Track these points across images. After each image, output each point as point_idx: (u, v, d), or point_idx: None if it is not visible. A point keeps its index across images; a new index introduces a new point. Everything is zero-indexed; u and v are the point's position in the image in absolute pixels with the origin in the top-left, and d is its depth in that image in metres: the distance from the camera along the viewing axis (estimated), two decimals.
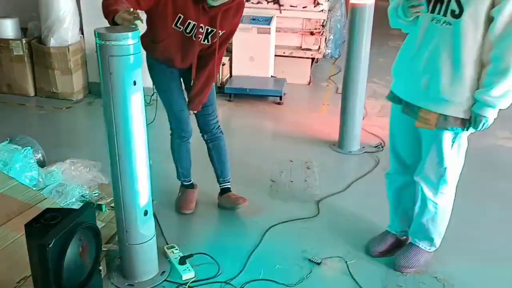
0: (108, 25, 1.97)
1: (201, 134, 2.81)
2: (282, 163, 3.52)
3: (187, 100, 2.67)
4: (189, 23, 2.38)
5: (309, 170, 3.44)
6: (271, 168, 3.44)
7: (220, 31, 2.43)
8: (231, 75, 5.03)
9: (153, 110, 3.97)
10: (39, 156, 2.89)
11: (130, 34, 1.88)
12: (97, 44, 1.89)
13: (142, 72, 2.01)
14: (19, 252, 2.04)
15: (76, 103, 4.56)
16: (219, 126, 2.80)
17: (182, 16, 2.36)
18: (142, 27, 2.04)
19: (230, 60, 5.00)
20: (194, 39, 2.43)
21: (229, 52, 4.98)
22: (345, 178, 3.34)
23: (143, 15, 2.09)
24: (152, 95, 2.91)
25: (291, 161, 3.56)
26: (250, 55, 4.94)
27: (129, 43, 1.88)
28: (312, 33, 5.13)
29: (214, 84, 2.68)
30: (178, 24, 2.38)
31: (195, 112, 2.70)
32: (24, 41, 4.46)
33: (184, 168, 2.87)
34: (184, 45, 2.46)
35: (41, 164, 2.86)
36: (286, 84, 4.96)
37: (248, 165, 3.46)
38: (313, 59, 5.29)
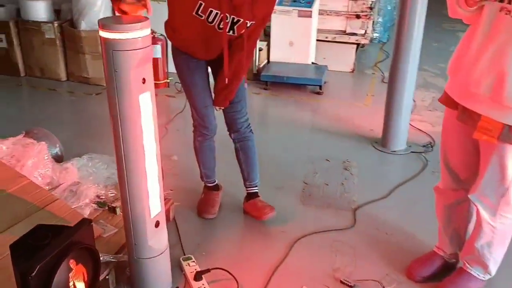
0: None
1: (228, 133, 2.55)
2: (317, 161, 3.22)
3: (213, 94, 2.42)
4: (211, 11, 2.10)
5: (346, 171, 3.12)
6: (305, 167, 3.15)
7: (248, 22, 2.14)
8: (268, 61, 4.73)
9: (183, 98, 3.78)
10: (56, 150, 2.73)
11: (139, 25, 1.63)
12: (100, 37, 1.65)
13: (152, 67, 1.76)
14: None
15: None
16: (249, 124, 2.53)
17: (203, 4, 2.08)
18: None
19: (268, 45, 4.69)
20: (218, 29, 2.15)
21: (267, 36, 4.68)
22: (387, 182, 3.00)
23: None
24: None
25: (328, 160, 3.25)
26: (290, 40, 4.61)
27: (137, 36, 1.63)
28: (358, 16, 4.72)
29: (244, 78, 2.40)
30: (199, 12, 2.11)
31: (222, 108, 2.44)
32: (56, 24, 4.33)
33: (207, 168, 2.64)
34: (207, 35, 2.19)
35: (58, 159, 2.71)
36: (327, 72, 4.62)
37: (280, 163, 3.19)
38: (358, 44, 4.89)
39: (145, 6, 1.67)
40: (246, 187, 2.63)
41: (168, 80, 4.36)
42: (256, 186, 2.63)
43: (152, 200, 1.90)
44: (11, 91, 4.37)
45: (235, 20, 2.13)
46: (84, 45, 4.24)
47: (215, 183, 2.71)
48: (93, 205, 2.39)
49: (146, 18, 1.67)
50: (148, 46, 1.69)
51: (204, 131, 2.50)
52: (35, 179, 2.37)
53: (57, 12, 4.60)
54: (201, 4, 2.08)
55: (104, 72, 1.71)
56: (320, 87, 4.40)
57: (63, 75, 4.51)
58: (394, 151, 3.38)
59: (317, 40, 4.78)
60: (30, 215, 2.14)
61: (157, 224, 1.96)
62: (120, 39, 1.61)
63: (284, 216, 2.60)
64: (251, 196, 2.62)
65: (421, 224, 2.55)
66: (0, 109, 3.99)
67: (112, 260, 2.05)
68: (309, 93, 4.45)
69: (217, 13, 2.10)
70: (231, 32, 2.17)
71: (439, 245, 2.23)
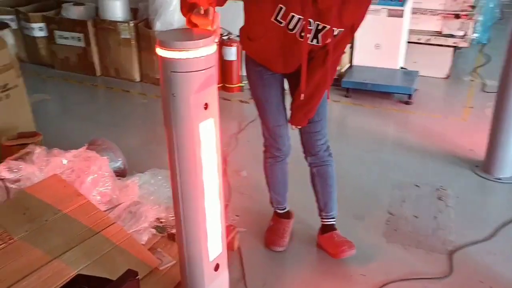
0: None
1: (304, 155, 2.23)
2: (404, 187, 2.80)
3: (289, 111, 2.10)
4: (293, 16, 1.78)
5: (441, 201, 2.68)
6: (390, 193, 2.75)
7: (335, 29, 1.80)
8: (351, 65, 4.31)
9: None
10: (119, 163, 2.57)
11: (201, 42, 1.35)
12: (157, 55, 1.40)
13: (216, 90, 1.49)
14: None
15: None
16: (328, 147, 2.19)
17: (284, 8, 1.77)
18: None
19: (352, 47, 4.28)
20: (299, 38, 1.83)
21: None
22: (491, 218, 2.52)
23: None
24: None
25: (417, 186, 2.81)
26: (376, 42, 4.17)
27: (199, 55, 1.36)
28: (457, 16, 4.17)
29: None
30: (278, 18, 1.80)
31: (299, 127, 2.13)
32: (131, 24, 4.24)
33: (278, 193, 2.34)
34: (287, 45, 1.89)
35: (121, 173, 2.54)
36: (418, 78, 4.11)
37: (360, 186, 2.81)
38: (455, 47, 4.32)
39: (212, 22, 1.39)
40: (322, 218, 2.30)
41: (242, 84, 4.13)
42: (333, 218, 2.29)
43: (212, 241, 1.64)
44: (86, 91, 4.36)
45: (320, 27, 1.80)
46: None
47: (286, 210, 2.41)
48: (152, 229, 2.19)
49: (212, 33, 1.40)
50: (212, 66, 1.41)
51: (276, 153, 2.21)
52: (94, 197, 2.21)
53: (134, 11, 4.51)
54: (281, 8, 1.78)
55: (161, 96, 1.47)
56: (410, 96, 3.92)
57: (137, 76, 4.43)
58: (499, 179, 2.86)
59: (408, 42, 4.28)
60: (85, 241, 1.97)
61: (216, 268, 1.70)
62: (179, 58, 1.35)
63: (364, 255, 2.23)
64: (327, 228, 2.29)
65: None
66: (74, 109, 3.99)
67: None
68: (396, 102, 3.98)
69: (299, 19, 1.79)
70: (314, 41, 1.84)
71: None
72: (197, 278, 1.67)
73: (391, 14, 4.04)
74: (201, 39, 1.35)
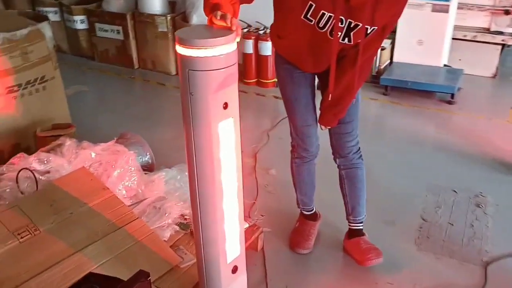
0: None
1: (332, 157, 2.15)
2: (440, 192, 2.66)
3: (319, 111, 2.03)
4: (323, 14, 1.71)
5: (479, 209, 2.53)
6: (424, 198, 2.62)
7: (368, 27, 1.71)
8: (391, 62, 4.16)
9: None
10: (146, 158, 2.57)
11: (222, 40, 1.31)
12: (176, 52, 1.37)
13: (237, 87, 1.44)
14: None
15: None
16: (359, 149, 2.11)
17: (314, 5, 1.69)
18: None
19: (393, 43, 4.12)
20: (330, 36, 1.75)
21: (393, 32, 4.10)
22: None
23: None
24: None
25: (454, 191, 2.67)
26: (419, 38, 4.00)
27: (219, 53, 1.31)
28: (507, 12, 3.94)
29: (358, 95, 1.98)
30: (308, 16, 1.73)
31: (328, 128, 2.05)
32: (168, 18, 4.25)
33: (304, 194, 2.28)
34: (316, 44, 1.81)
35: (149, 168, 2.55)
36: (463, 77, 3.92)
37: (392, 189, 2.70)
38: (503, 45, 4.08)
39: (231, 28, 1.35)
40: (349, 222, 2.22)
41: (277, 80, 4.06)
42: (361, 223, 2.20)
43: (230, 243, 1.61)
44: (123, 84, 4.42)
45: (352, 25, 1.71)
46: None
47: (312, 212, 2.34)
48: (175, 226, 2.18)
49: (232, 31, 1.35)
50: (233, 64, 1.36)
51: (303, 153, 2.14)
52: (119, 192, 2.23)
53: (172, 5, 4.53)
54: (311, 6, 1.70)
55: (180, 94, 1.43)
56: (452, 95, 3.74)
57: (173, 70, 4.46)
58: None
59: (453, 38, 4.08)
60: (107, 235, 1.99)
61: (234, 270, 1.67)
62: (197, 56, 1.31)
63: (393, 262, 2.14)
64: (354, 233, 2.21)
65: None
66: (109, 101, 4.06)
67: None
68: (438, 101, 3.80)
69: (330, 16, 1.71)
70: (346, 40, 1.75)
71: None
72: (214, 280, 1.64)
73: (436, 9, 3.86)
74: (220, 36, 1.31)
